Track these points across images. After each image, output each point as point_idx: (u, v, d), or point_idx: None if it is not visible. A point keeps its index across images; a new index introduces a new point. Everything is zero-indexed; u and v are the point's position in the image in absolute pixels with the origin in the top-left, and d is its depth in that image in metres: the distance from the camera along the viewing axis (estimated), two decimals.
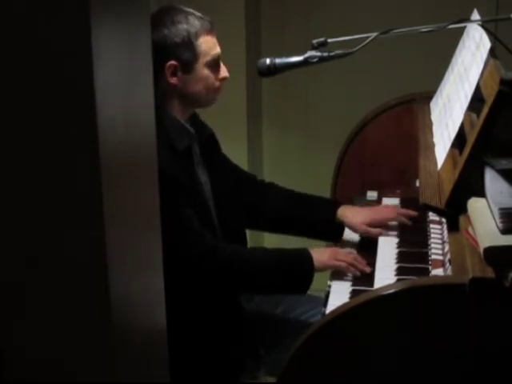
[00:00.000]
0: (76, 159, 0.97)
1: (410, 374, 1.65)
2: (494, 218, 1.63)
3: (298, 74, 2.60)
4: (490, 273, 1.54)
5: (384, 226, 2.31)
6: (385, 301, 1.62)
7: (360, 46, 2.03)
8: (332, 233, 2.39)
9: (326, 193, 2.75)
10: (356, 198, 2.58)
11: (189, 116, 2.22)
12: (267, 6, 3.55)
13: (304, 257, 2.13)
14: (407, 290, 1.62)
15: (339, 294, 2.06)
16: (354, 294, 2.05)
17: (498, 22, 2.55)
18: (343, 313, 1.65)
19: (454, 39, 2.47)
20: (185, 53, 2.09)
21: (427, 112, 2.49)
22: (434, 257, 2.01)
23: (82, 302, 1.02)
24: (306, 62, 2.12)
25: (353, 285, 2.12)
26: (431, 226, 2.19)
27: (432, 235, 2.14)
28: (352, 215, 2.33)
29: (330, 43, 2.10)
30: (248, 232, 2.40)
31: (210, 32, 2.12)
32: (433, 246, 2.07)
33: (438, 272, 1.91)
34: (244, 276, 2.12)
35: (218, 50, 2.15)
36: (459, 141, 1.99)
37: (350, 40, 2.06)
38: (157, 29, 2.04)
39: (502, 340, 1.59)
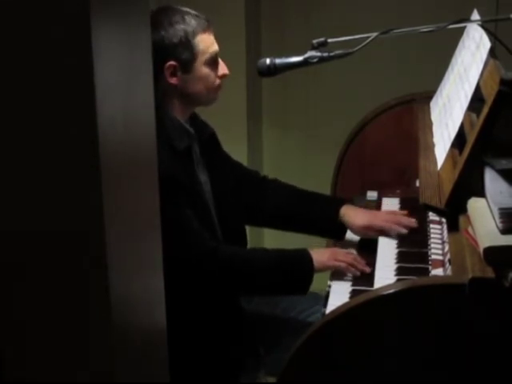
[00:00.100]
0: (76, 159, 0.97)
1: (410, 374, 1.65)
2: (494, 218, 1.63)
3: (298, 74, 2.60)
4: (489, 273, 1.54)
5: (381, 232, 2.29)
6: (385, 301, 1.62)
7: (360, 46, 2.03)
8: (334, 231, 2.38)
9: (326, 193, 2.75)
10: (356, 198, 2.58)
11: (189, 116, 2.22)
12: (267, 6, 3.55)
13: (304, 257, 2.13)
14: (407, 290, 1.62)
15: (339, 294, 2.06)
16: (353, 294, 2.05)
17: (498, 22, 2.55)
18: (343, 313, 1.65)
19: (454, 39, 2.47)
20: (183, 52, 2.09)
21: (427, 112, 2.49)
22: (433, 257, 2.01)
23: (81, 302, 1.02)
24: (306, 62, 2.12)
25: (353, 285, 2.12)
26: (431, 226, 2.19)
27: (432, 235, 2.13)
28: (353, 216, 2.32)
29: (330, 43, 2.10)
30: (248, 232, 2.39)
31: (206, 30, 2.12)
32: (433, 246, 2.07)
33: (437, 272, 1.91)
34: (244, 276, 2.12)
35: (215, 47, 2.15)
36: (459, 141, 1.99)
37: (350, 40, 2.06)
38: (154, 30, 2.04)
39: (502, 340, 1.59)
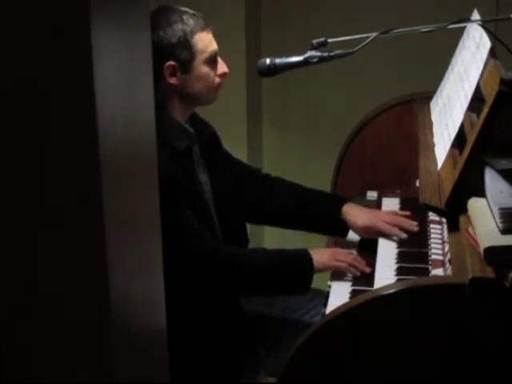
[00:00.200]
0: (76, 159, 0.97)
1: (410, 374, 1.65)
2: (494, 218, 1.63)
3: (298, 74, 2.60)
4: (490, 273, 1.54)
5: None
6: (385, 301, 1.62)
7: (360, 46, 2.03)
8: (337, 228, 2.37)
9: None
10: (356, 198, 2.58)
11: (189, 116, 2.22)
12: (267, 6, 3.55)
13: (304, 258, 2.13)
14: (407, 290, 1.62)
15: (339, 294, 2.06)
16: (354, 294, 2.05)
17: (498, 22, 2.55)
18: (343, 313, 1.65)
19: (454, 39, 2.47)
20: (182, 52, 2.09)
21: (427, 112, 2.49)
22: (434, 257, 2.01)
23: (82, 301, 1.02)
24: (306, 62, 2.12)
25: (353, 285, 2.12)
26: (431, 225, 2.19)
27: (432, 235, 2.14)
28: (354, 215, 2.32)
29: (330, 43, 2.10)
30: (248, 231, 2.39)
31: (205, 29, 2.12)
32: (433, 245, 2.07)
33: (437, 272, 1.92)
34: (244, 277, 2.12)
35: (214, 46, 2.15)
36: (459, 141, 1.99)
37: (349, 40, 2.06)
38: (153, 30, 2.03)
39: (502, 340, 1.59)
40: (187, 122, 2.20)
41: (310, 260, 2.12)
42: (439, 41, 2.70)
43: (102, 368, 1.04)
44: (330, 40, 2.09)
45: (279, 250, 2.19)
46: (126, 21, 1.09)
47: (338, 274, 2.17)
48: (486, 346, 1.60)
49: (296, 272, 2.13)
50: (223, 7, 3.26)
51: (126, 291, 1.08)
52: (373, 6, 3.41)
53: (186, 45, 2.09)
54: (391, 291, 1.63)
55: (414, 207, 2.24)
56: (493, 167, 1.74)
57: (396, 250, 2.18)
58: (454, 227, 1.83)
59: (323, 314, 1.98)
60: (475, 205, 1.75)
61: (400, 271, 2.04)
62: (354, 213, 2.32)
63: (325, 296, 2.11)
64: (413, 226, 2.25)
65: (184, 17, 2.10)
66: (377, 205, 2.55)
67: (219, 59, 2.18)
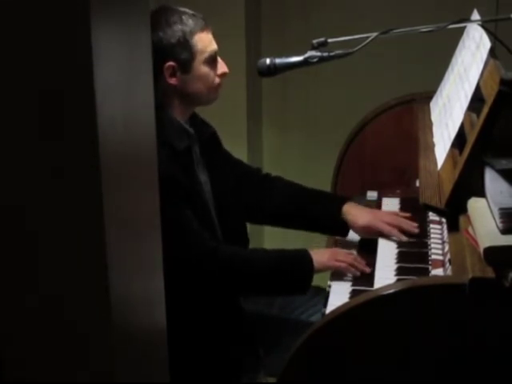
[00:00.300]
0: (76, 159, 0.97)
1: (410, 374, 1.65)
2: (494, 218, 1.63)
3: (298, 74, 2.60)
4: (489, 273, 1.54)
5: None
6: (385, 301, 1.62)
7: (360, 46, 2.03)
8: (337, 228, 2.37)
9: None
10: (356, 198, 2.58)
11: (189, 116, 2.22)
12: (267, 6, 3.55)
13: (304, 258, 2.13)
14: (407, 290, 1.62)
15: (339, 294, 2.06)
16: (353, 294, 2.05)
17: (498, 22, 2.55)
18: (343, 313, 1.65)
19: (453, 39, 2.47)
20: (182, 53, 2.09)
21: (427, 112, 2.49)
22: (433, 257, 2.01)
23: (82, 301, 1.02)
24: (306, 62, 2.12)
25: (353, 285, 2.12)
26: (431, 225, 2.19)
27: (432, 235, 2.14)
28: (355, 215, 2.31)
29: (330, 43, 2.09)
30: (248, 232, 2.39)
31: (204, 29, 2.12)
32: (433, 246, 2.07)
33: (437, 272, 1.92)
34: (244, 277, 2.12)
35: (214, 46, 2.15)
36: (459, 141, 1.99)
37: (349, 40, 2.06)
38: (152, 30, 2.03)
39: (502, 340, 1.59)
40: (187, 122, 2.20)
41: (310, 260, 2.12)
42: (439, 41, 2.70)
43: (102, 368, 1.04)
44: (330, 40, 2.09)
45: (279, 250, 2.19)
46: (126, 21, 1.09)
47: (337, 274, 2.17)
48: (486, 346, 1.60)
49: (296, 272, 2.13)
50: (223, 7, 3.26)
51: (126, 291, 1.08)
52: (373, 6, 3.41)
53: (185, 45, 2.09)
54: (391, 291, 1.63)
55: (414, 207, 2.24)
56: (493, 167, 1.74)
57: (396, 250, 2.18)
58: (453, 227, 1.83)
59: (323, 313, 1.98)
60: (475, 205, 1.75)
61: (400, 271, 2.04)
62: (354, 212, 2.32)
63: (325, 294, 2.11)
64: (413, 227, 2.25)
65: (183, 17, 2.10)
66: (377, 205, 2.55)
67: (219, 59, 2.18)
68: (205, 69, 2.13)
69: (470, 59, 2.15)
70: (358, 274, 2.14)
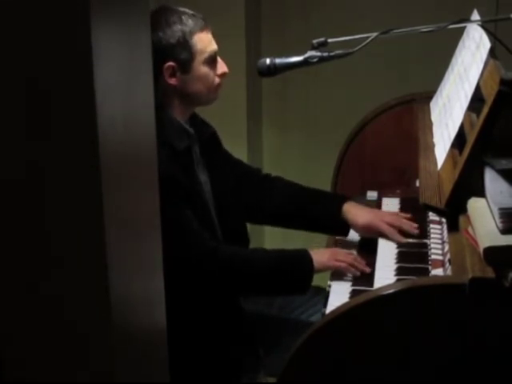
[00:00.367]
0: (76, 159, 0.97)
1: (410, 374, 1.65)
2: (494, 218, 1.63)
3: (298, 74, 2.60)
4: (489, 273, 1.54)
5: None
6: (385, 301, 1.62)
7: (360, 46, 2.03)
8: (338, 227, 2.37)
9: None
10: (356, 198, 2.58)
11: (189, 116, 2.22)
12: (267, 6, 3.55)
13: (304, 258, 2.13)
14: (407, 290, 1.62)
15: (339, 294, 2.06)
16: (353, 294, 2.05)
17: (498, 22, 2.55)
18: (343, 313, 1.65)
19: (453, 39, 2.47)
20: (181, 53, 2.09)
21: (427, 112, 2.49)
22: (433, 257, 2.01)
23: (82, 301, 1.02)
24: (306, 62, 2.12)
25: (353, 285, 2.12)
26: (431, 225, 2.19)
27: (432, 235, 2.14)
28: (355, 214, 2.31)
29: (330, 43, 2.09)
30: (249, 232, 2.39)
31: (204, 29, 2.12)
32: (433, 246, 2.07)
33: (437, 272, 1.92)
34: (244, 277, 2.12)
35: (214, 46, 2.15)
36: (459, 141, 1.99)
37: (350, 40, 2.06)
38: (152, 31, 2.03)
39: (502, 340, 1.59)
40: (187, 122, 2.20)
41: (310, 260, 2.12)
42: (439, 41, 2.70)
43: (102, 368, 1.04)
44: (330, 40, 2.09)
45: (279, 250, 2.19)
46: (126, 21, 1.09)
47: (338, 274, 2.17)
48: (486, 346, 1.60)
49: (296, 272, 2.13)
50: (223, 7, 3.26)
51: (126, 291, 1.08)
52: (373, 6, 3.41)
53: (185, 45, 2.09)
54: (391, 291, 1.63)
55: (414, 207, 2.24)
56: (493, 167, 1.74)
57: (396, 250, 2.18)
58: (453, 227, 1.83)
59: (323, 313, 1.98)
60: (475, 205, 1.75)
61: (400, 271, 2.04)
62: (354, 211, 2.32)
63: (325, 294, 2.11)
64: (413, 228, 2.25)
65: (183, 17, 2.10)
66: (377, 205, 2.55)
67: (219, 59, 2.18)
68: (204, 69, 2.13)
69: (469, 59, 2.15)
70: (358, 273, 2.14)
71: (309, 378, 1.71)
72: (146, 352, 1.22)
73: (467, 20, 2.15)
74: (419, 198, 1.96)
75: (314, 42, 2.10)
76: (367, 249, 2.28)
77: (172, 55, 2.09)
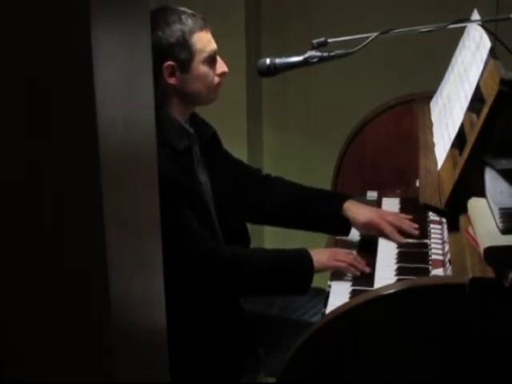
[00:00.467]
0: (76, 159, 0.97)
1: (410, 374, 1.65)
2: (494, 218, 1.63)
3: (298, 74, 2.60)
4: (490, 273, 1.54)
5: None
6: (385, 301, 1.62)
7: (360, 46, 2.03)
8: (339, 226, 2.37)
9: None
10: (356, 198, 2.57)
11: (189, 116, 2.22)
12: (267, 6, 3.55)
13: (304, 258, 2.13)
14: (407, 290, 1.62)
15: (339, 294, 2.06)
16: (354, 294, 2.05)
17: (498, 22, 2.55)
18: (343, 313, 1.65)
19: (454, 39, 2.47)
20: (181, 52, 2.09)
21: (427, 112, 2.49)
22: (434, 257, 2.01)
23: (82, 301, 1.02)
24: (306, 62, 2.12)
25: (353, 285, 2.12)
26: (431, 225, 2.19)
27: (432, 235, 2.14)
28: (356, 212, 2.31)
29: (330, 43, 2.09)
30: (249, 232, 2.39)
31: (203, 28, 2.12)
32: (433, 246, 2.07)
33: (438, 272, 1.92)
34: (244, 277, 2.12)
35: (213, 45, 2.15)
36: (459, 141, 1.99)
37: (349, 40, 2.06)
38: (151, 30, 2.04)
39: (502, 340, 1.59)
40: (187, 121, 2.20)
41: (310, 260, 2.12)
42: (439, 41, 2.70)
43: (102, 368, 1.04)
44: (330, 40, 2.09)
45: (279, 250, 2.19)
46: (126, 21, 1.09)
47: (338, 274, 2.17)
48: (486, 346, 1.60)
49: (296, 272, 2.13)
50: (223, 7, 3.26)
51: (126, 291, 1.08)
52: (373, 6, 3.40)
53: (184, 45, 2.09)
54: (391, 291, 1.63)
55: (414, 207, 2.24)
56: (493, 167, 1.74)
57: (396, 250, 2.18)
58: (454, 227, 1.83)
59: (323, 314, 1.98)
60: (475, 205, 1.75)
61: (400, 271, 2.04)
62: (355, 209, 2.32)
63: (325, 295, 2.11)
64: (413, 229, 2.24)
65: (182, 17, 2.10)
66: (377, 205, 2.55)
67: (218, 59, 2.18)
68: (204, 68, 2.13)
69: (470, 59, 2.15)
70: (358, 273, 2.14)
71: (309, 378, 1.71)
72: (145, 352, 1.22)
73: (467, 20, 2.15)
74: (419, 198, 1.96)
75: (314, 41, 2.10)
76: (367, 249, 2.28)
77: (171, 54, 2.09)
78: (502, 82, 1.73)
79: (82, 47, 0.93)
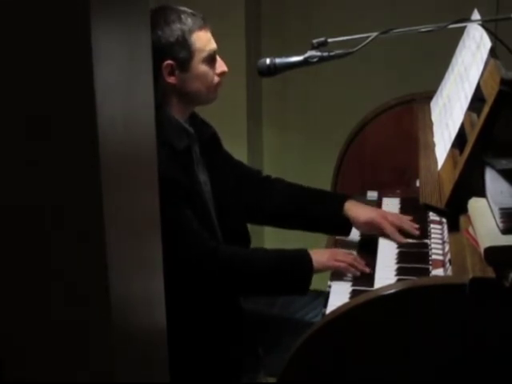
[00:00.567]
0: (76, 159, 0.97)
1: (410, 374, 1.65)
2: (495, 218, 1.63)
3: (298, 74, 2.60)
4: (490, 273, 1.54)
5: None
6: (385, 301, 1.62)
7: (360, 46, 2.03)
8: (339, 226, 2.37)
9: None
10: (356, 198, 2.57)
11: (189, 116, 2.21)
12: (267, 6, 3.55)
13: (303, 258, 2.13)
14: (407, 290, 1.62)
15: (339, 295, 2.06)
16: (354, 294, 2.05)
17: (499, 21, 2.55)
18: (343, 313, 1.65)
19: (453, 39, 2.47)
20: (180, 51, 2.09)
21: (427, 112, 2.49)
22: (434, 257, 2.01)
23: (82, 302, 1.02)
24: (306, 62, 2.12)
25: (353, 285, 2.12)
26: (431, 226, 2.19)
27: (432, 235, 2.13)
28: (356, 211, 2.31)
29: (329, 43, 2.09)
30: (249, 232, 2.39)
31: (203, 28, 2.12)
32: (433, 246, 2.07)
33: (438, 272, 1.91)
34: (243, 277, 2.12)
35: (213, 45, 2.15)
36: (459, 141, 1.99)
37: (349, 40, 2.06)
38: (151, 30, 2.04)
39: (503, 340, 1.59)
40: (187, 121, 2.20)
41: (310, 260, 2.12)
42: (439, 41, 2.70)
43: (102, 368, 1.04)
44: (329, 40, 2.09)
45: (279, 250, 2.19)
46: (126, 21, 1.09)
47: (338, 274, 2.17)
48: (486, 346, 1.60)
49: (296, 272, 2.12)
50: (223, 7, 3.26)
51: (126, 291, 1.08)
52: (373, 6, 3.40)
53: (184, 44, 2.09)
54: (391, 291, 1.62)
55: (414, 207, 2.24)
56: (493, 167, 1.74)
57: (396, 250, 2.18)
58: (454, 227, 1.83)
59: (323, 314, 1.98)
60: (475, 205, 1.75)
61: (400, 271, 2.04)
62: (356, 209, 2.32)
63: (325, 296, 2.11)
64: (414, 229, 2.24)
65: (182, 16, 2.10)
66: (377, 205, 2.55)
67: (218, 58, 2.18)
68: (204, 67, 2.13)
69: (470, 59, 2.15)
70: (358, 273, 2.14)
71: (309, 378, 1.71)
72: (145, 352, 1.22)
73: (467, 20, 2.15)
74: (419, 198, 1.96)
75: (314, 41, 2.10)
76: (367, 249, 2.28)
77: (171, 54, 2.09)
78: (503, 81, 1.73)
79: (82, 47, 0.93)
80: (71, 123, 0.96)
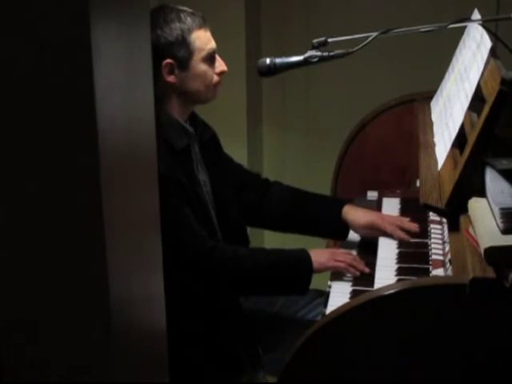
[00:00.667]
0: (76, 159, 0.97)
1: (410, 374, 1.65)
2: (495, 218, 1.63)
3: (298, 74, 2.60)
4: (490, 273, 1.54)
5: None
6: (385, 301, 1.62)
7: (360, 46, 2.03)
8: (337, 230, 2.37)
9: (326, 193, 2.75)
10: (356, 199, 2.58)
11: (188, 115, 2.21)
12: (267, 6, 3.55)
13: (303, 258, 2.13)
14: (407, 290, 1.62)
15: (339, 295, 2.06)
16: (354, 294, 2.05)
17: (499, 21, 2.55)
18: (343, 313, 1.65)
19: (454, 39, 2.47)
20: (180, 50, 2.09)
21: (427, 112, 2.49)
22: (434, 257, 2.01)
23: (82, 301, 1.02)
24: (306, 62, 2.12)
25: (353, 285, 2.12)
26: (431, 226, 2.19)
27: (432, 235, 2.13)
28: (355, 215, 2.32)
29: (330, 43, 2.09)
30: (248, 232, 2.39)
31: (202, 27, 2.12)
32: (433, 246, 2.07)
33: (438, 272, 1.91)
34: (243, 276, 2.12)
35: (212, 44, 2.15)
36: (460, 141, 1.99)
37: (349, 40, 2.06)
38: (151, 29, 2.04)
39: (503, 340, 1.59)
40: (186, 121, 2.20)
41: (309, 260, 2.12)
42: (439, 41, 2.70)
43: (102, 368, 1.04)
44: (330, 40, 2.09)
45: (278, 250, 2.19)
46: (126, 20, 1.09)
47: (337, 275, 2.17)
48: (486, 346, 1.60)
49: (295, 272, 2.12)
50: (223, 7, 3.26)
51: (126, 291, 1.08)
52: (373, 6, 3.40)
53: (183, 43, 2.09)
54: (391, 291, 1.62)
55: (414, 207, 2.24)
56: (493, 167, 1.74)
57: (396, 251, 2.18)
58: (454, 227, 1.83)
59: (323, 314, 1.98)
60: (476, 205, 1.75)
61: (400, 271, 2.04)
62: (354, 212, 2.33)
63: (325, 296, 2.11)
64: (414, 227, 2.24)
65: (182, 15, 2.10)
66: (377, 205, 2.55)
67: (218, 58, 2.18)
68: (203, 67, 2.13)
69: (470, 59, 2.15)
70: (358, 274, 2.14)
71: (309, 378, 1.71)
72: (145, 352, 1.21)
73: (467, 19, 2.15)
74: (419, 198, 1.96)
75: (314, 41, 2.10)
76: (367, 249, 2.28)
77: (170, 53, 2.09)
78: (503, 81, 1.73)
79: (82, 47, 0.93)
80: (71, 123, 0.96)
